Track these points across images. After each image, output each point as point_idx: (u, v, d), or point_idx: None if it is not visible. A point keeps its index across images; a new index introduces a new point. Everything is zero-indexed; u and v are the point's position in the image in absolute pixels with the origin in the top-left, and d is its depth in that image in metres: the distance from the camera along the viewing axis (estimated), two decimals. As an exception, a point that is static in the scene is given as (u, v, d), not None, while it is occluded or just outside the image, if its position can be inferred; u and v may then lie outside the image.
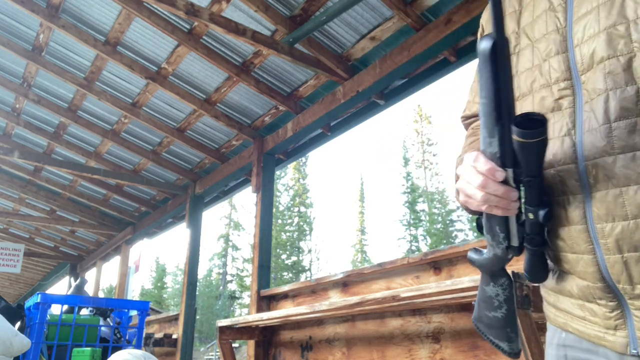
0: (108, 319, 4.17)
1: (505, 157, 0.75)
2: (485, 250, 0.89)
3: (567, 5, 0.81)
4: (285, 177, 36.99)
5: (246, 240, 38.18)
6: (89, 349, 3.55)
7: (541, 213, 0.77)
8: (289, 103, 4.71)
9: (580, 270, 0.80)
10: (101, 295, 18.10)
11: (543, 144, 0.73)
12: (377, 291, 3.23)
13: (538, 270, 0.87)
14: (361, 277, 3.55)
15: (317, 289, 4.04)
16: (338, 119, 4.85)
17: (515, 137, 0.72)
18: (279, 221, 35.24)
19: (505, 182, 0.77)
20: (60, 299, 3.78)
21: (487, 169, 0.76)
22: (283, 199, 36.47)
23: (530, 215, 0.79)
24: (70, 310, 3.96)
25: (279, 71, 4.48)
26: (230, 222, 38.14)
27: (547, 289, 0.93)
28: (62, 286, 13.81)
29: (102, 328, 4.03)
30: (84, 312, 4.23)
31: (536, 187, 0.77)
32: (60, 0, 4.13)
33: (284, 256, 34.91)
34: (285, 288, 4.37)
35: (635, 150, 0.71)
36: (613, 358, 0.78)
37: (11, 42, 4.75)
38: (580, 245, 0.78)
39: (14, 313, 4.02)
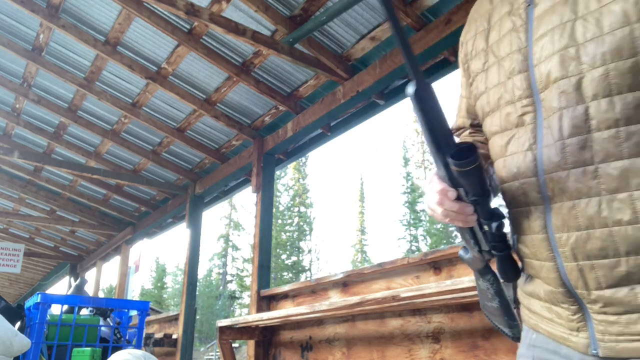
0: (108, 319, 4.17)
1: (453, 179, 0.85)
2: None
3: (528, 26, 0.87)
4: (285, 177, 36.99)
5: (246, 240, 38.19)
6: (89, 349, 3.55)
7: (493, 225, 0.87)
8: (289, 103, 4.71)
9: (544, 276, 0.87)
10: (101, 295, 18.10)
11: (477, 170, 0.81)
12: (377, 291, 3.23)
13: (507, 272, 0.95)
14: (361, 277, 3.55)
15: (317, 289, 4.04)
16: (338, 119, 4.85)
17: (452, 167, 0.82)
18: (279, 221, 35.23)
19: (461, 198, 0.86)
20: (60, 299, 3.78)
21: (440, 189, 0.86)
22: (283, 199, 36.46)
23: (486, 227, 0.89)
24: (70, 310, 3.96)
25: (279, 71, 4.48)
26: (230, 222, 38.14)
27: (521, 291, 0.99)
28: (62, 286, 13.82)
29: (102, 328, 4.03)
30: (84, 312, 4.23)
31: (483, 204, 0.86)
32: (60, 0, 4.13)
33: (284, 256, 34.90)
34: (285, 288, 4.37)
35: (585, 165, 0.77)
36: (575, 358, 0.84)
37: (11, 42, 4.75)
38: (543, 253, 0.85)
39: (14, 313, 4.02)
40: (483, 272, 1.02)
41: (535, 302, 0.92)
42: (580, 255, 0.79)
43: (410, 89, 0.78)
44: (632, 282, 0.75)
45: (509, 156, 0.89)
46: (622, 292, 0.75)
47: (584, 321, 0.81)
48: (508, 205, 0.93)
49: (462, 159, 0.80)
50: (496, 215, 0.87)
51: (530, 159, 0.84)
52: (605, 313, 0.78)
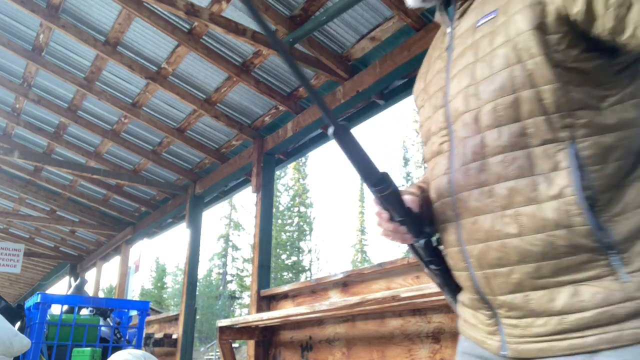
0: (108, 319, 4.17)
1: (382, 203, 0.96)
2: None
3: (448, 67, 1.00)
4: (285, 177, 36.97)
5: (246, 240, 38.15)
6: (89, 349, 3.55)
7: (421, 242, 0.99)
8: (289, 103, 4.71)
9: (464, 285, 0.97)
10: (101, 295, 18.09)
11: (393, 195, 0.92)
12: (377, 291, 3.23)
13: (449, 284, 1.04)
14: (361, 277, 3.55)
15: (317, 289, 4.04)
16: (338, 119, 4.84)
17: (374, 194, 0.93)
18: (279, 221, 35.21)
19: (394, 219, 0.97)
20: (60, 299, 3.78)
21: (376, 212, 1.00)
22: (283, 199, 36.43)
23: (417, 244, 1.00)
24: (70, 310, 3.96)
25: (279, 71, 4.48)
26: (230, 222, 38.12)
27: (458, 301, 1.07)
28: (62, 286, 13.82)
29: (102, 328, 4.03)
30: (84, 312, 4.23)
31: (409, 224, 0.97)
32: (60, 0, 4.13)
33: (284, 256, 34.88)
34: (285, 288, 4.37)
35: (482, 186, 0.88)
36: None
37: (11, 42, 4.75)
38: (459, 263, 0.95)
39: (14, 313, 4.02)
40: (442, 285, 1.10)
41: (466, 310, 1.01)
42: (484, 264, 0.88)
43: (330, 131, 0.90)
44: (525, 288, 0.84)
45: (434, 179, 1.01)
46: (518, 298, 0.85)
47: (496, 325, 0.90)
48: (436, 223, 1.03)
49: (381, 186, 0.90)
50: (423, 233, 0.99)
51: (446, 181, 0.96)
52: (510, 317, 0.87)
